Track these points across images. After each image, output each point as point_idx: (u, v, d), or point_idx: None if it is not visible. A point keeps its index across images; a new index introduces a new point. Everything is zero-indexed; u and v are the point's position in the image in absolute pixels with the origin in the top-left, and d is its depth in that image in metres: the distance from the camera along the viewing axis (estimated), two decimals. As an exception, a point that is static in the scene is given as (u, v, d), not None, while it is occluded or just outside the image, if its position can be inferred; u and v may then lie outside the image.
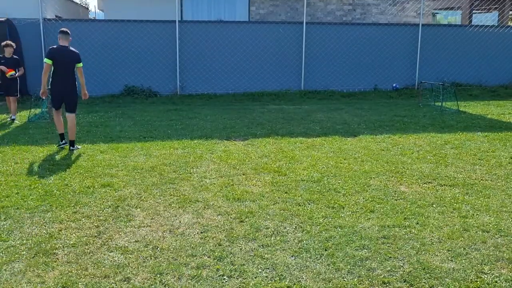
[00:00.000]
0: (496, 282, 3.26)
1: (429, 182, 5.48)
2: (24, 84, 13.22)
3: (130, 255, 3.64)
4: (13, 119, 9.59)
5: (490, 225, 4.21)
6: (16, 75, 9.83)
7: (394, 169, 5.99)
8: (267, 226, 4.19)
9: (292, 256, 3.63)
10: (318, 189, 5.21)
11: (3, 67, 9.66)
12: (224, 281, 3.27)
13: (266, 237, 3.97)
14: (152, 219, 4.37)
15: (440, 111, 10.67)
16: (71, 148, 7.00)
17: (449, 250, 3.73)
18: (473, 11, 22.50)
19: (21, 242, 3.87)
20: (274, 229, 4.13)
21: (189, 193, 5.06)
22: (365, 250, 3.72)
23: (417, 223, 4.26)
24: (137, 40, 13.64)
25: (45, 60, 6.81)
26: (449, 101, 11.49)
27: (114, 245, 3.81)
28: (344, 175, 5.72)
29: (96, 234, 4.02)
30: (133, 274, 3.36)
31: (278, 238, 3.95)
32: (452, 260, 3.57)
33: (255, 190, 5.15)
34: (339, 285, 3.22)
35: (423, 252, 3.70)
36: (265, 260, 3.56)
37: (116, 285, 3.22)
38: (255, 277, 3.31)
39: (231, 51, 14.16)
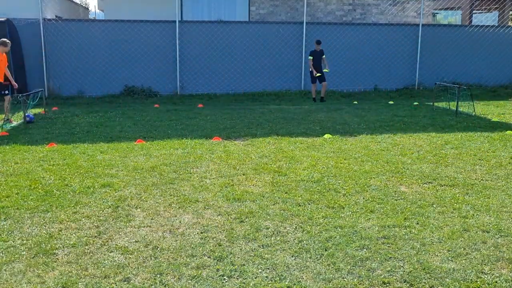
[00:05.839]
0: (496, 282, 3.26)
1: (429, 182, 5.48)
2: (24, 84, 13.23)
3: (130, 255, 3.64)
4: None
5: (490, 225, 4.21)
6: None
7: (394, 169, 5.98)
8: (267, 226, 4.19)
9: (292, 256, 3.63)
10: (318, 189, 5.21)
11: None
12: (224, 281, 3.27)
13: (266, 237, 3.97)
14: (152, 219, 4.37)
15: (455, 115, 10.25)
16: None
17: (449, 250, 3.73)
18: (473, 11, 22.51)
19: (21, 242, 3.87)
20: (274, 229, 4.12)
21: (189, 193, 5.06)
22: (365, 250, 3.72)
23: (417, 223, 4.26)
24: (137, 40, 13.64)
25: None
26: (465, 102, 10.78)
27: (114, 245, 3.81)
28: (344, 175, 5.72)
29: (96, 234, 4.02)
30: (133, 274, 3.36)
31: (278, 238, 3.95)
32: (452, 260, 3.57)
33: (255, 190, 5.15)
34: (339, 285, 3.22)
35: (423, 252, 3.70)
36: (265, 260, 3.56)
37: (116, 285, 3.22)
38: (255, 277, 3.31)
39: (231, 51, 14.16)
